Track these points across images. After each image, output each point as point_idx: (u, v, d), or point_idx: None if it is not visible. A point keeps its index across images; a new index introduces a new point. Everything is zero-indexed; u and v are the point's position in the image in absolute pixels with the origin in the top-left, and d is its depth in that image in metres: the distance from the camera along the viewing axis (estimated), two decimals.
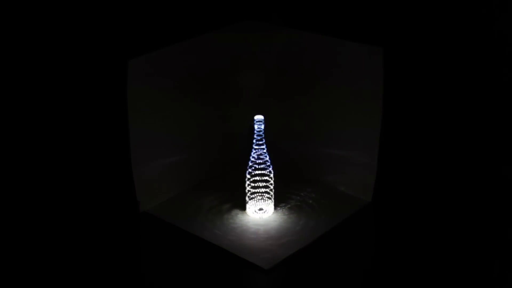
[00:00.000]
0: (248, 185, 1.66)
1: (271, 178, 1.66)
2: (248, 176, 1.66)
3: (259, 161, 1.64)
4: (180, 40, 1.68)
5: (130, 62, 1.57)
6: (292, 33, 1.74)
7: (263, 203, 1.67)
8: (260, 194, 1.66)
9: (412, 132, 1.80)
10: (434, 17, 1.74)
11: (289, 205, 1.70)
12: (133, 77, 1.58)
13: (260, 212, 1.67)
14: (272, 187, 1.66)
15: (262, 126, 1.63)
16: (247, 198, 1.67)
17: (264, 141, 1.64)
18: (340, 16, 1.82)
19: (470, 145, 1.76)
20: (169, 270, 1.50)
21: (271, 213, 1.67)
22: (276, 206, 1.69)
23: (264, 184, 1.65)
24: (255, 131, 1.63)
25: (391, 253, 1.53)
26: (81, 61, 1.87)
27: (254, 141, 1.64)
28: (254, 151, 1.65)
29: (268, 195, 1.66)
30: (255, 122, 1.63)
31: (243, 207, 1.68)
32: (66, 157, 1.84)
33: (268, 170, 1.65)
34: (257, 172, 1.65)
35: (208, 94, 1.77)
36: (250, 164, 1.65)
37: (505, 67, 1.71)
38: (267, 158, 1.65)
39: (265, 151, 1.64)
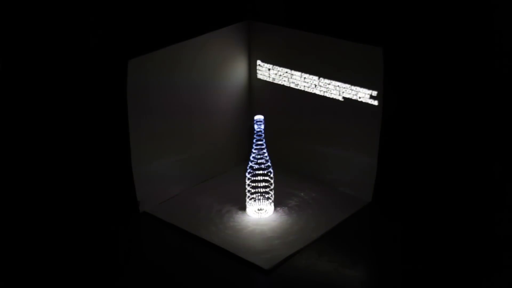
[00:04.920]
0: (248, 185, 1.66)
1: (271, 178, 1.66)
2: (248, 176, 1.66)
3: (259, 161, 1.64)
4: (180, 40, 1.68)
5: (130, 62, 1.57)
6: (293, 33, 1.74)
7: (263, 203, 1.67)
8: (260, 194, 1.66)
9: (412, 132, 1.80)
10: (433, 17, 1.74)
11: (289, 205, 1.70)
12: (133, 77, 1.58)
13: (260, 212, 1.67)
14: (272, 187, 1.66)
15: (262, 126, 1.63)
16: (247, 198, 1.67)
17: (264, 141, 1.64)
18: (340, 16, 1.82)
19: (469, 145, 1.76)
20: (169, 270, 1.50)
21: (271, 213, 1.67)
22: (276, 206, 1.69)
23: (264, 184, 1.65)
24: (255, 131, 1.63)
25: (391, 253, 1.53)
26: (81, 61, 1.87)
27: (254, 141, 1.64)
28: (254, 151, 1.65)
29: (268, 195, 1.66)
30: (255, 122, 1.63)
31: (243, 207, 1.68)
32: (66, 157, 1.84)
33: (268, 170, 1.65)
34: (257, 172, 1.65)
35: (207, 94, 1.77)
36: (250, 164, 1.65)
37: (505, 67, 1.71)
38: (267, 158, 1.65)
39: (265, 151, 1.64)
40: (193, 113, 1.74)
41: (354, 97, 1.67)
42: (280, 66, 1.78)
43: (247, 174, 1.66)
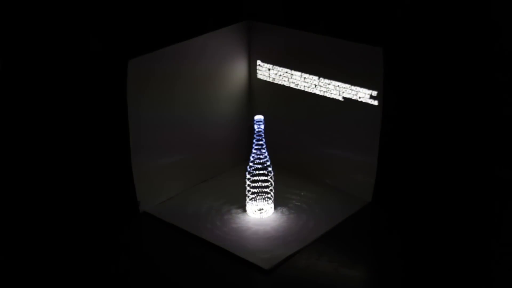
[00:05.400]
0: (248, 185, 1.66)
1: (271, 178, 1.66)
2: (248, 176, 1.66)
3: (259, 161, 1.64)
4: (180, 40, 1.68)
5: (130, 62, 1.57)
6: (292, 33, 1.74)
7: (263, 203, 1.67)
8: (260, 194, 1.66)
9: (412, 132, 1.80)
10: (433, 17, 1.74)
11: (289, 205, 1.70)
12: (133, 77, 1.58)
13: (260, 212, 1.67)
14: (272, 187, 1.66)
15: (262, 126, 1.63)
16: (247, 198, 1.67)
17: (264, 141, 1.64)
18: (340, 16, 1.82)
19: (469, 145, 1.76)
20: (170, 270, 1.50)
21: (271, 213, 1.67)
22: (276, 206, 1.69)
23: (264, 184, 1.65)
24: (255, 131, 1.63)
25: (391, 253, 1.53)
26: (81, 61, 1.87)
27: (254, 141, 1.64)
28: (254, 151, 1.65)
29: (268, 195, 1.66)
30: (255, 122, 1.63)
31: (243, 207, 1.68)
32: (67, 157, 1.84)
33: (268, 170, 1.65)
34: (257, 172, 1.65)
35: (207, 94, 1.77)
36: (250, 164, 1.65)
37: (505, 67, 1.72)
38: (267, 158, 1.65)
39: (265, 151, 1.64)
40: (193, 113, 1.74)
41: (354, 97, 1.67)
42: (280, 66, 1.78)
43: (247, 174, 1.66)
